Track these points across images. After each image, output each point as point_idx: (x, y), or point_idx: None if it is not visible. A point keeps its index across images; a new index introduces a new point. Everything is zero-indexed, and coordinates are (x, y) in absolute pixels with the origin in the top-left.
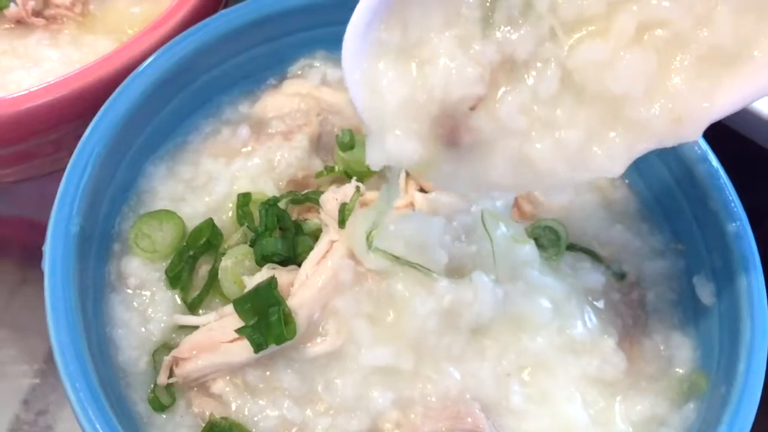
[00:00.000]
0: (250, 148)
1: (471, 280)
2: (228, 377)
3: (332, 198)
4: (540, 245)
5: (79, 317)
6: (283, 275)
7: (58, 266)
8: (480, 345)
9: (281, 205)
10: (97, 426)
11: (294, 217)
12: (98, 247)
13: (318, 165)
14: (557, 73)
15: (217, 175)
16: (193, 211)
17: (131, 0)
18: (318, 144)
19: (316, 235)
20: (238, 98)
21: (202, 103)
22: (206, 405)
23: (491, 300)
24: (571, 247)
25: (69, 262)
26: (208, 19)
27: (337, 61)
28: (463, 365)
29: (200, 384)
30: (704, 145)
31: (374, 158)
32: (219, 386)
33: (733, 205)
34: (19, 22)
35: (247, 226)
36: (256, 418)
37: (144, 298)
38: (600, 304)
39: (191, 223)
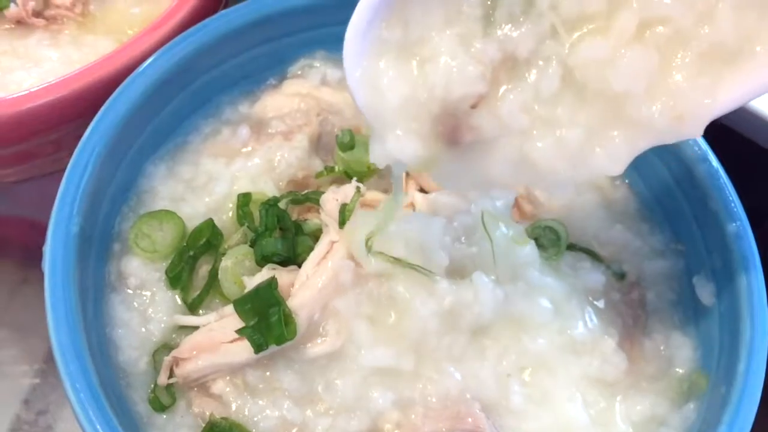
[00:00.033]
0: (250, 148)
1: (471, 281)
2: (228, 377)
3: (332, 198)
4: (540, 245)
5: (80, 317)
6: (283, 276)
7: (59, 266)
8: (480, 345)
9: (281, 205)
10: (98, 426)
11: (294, 217)
12: (98, 247)
13: (318, 165)
14: (558, 71)
15: (217, 175)
16: (193, 211)
17: (131, 0)
18: (318, 144)
19: (316, 236)
20: (238, 98)
21: (202, 104)
22: (206, 405)
23: (492, 301)
24: (572, 247)
25: (69, 263)
26: (208, 20)
27: (337, 61)
28: (463, 365)
29: (200, 384)
30: (704, 145)
31: (377, 156)
32: (219, 386)
33: (733, 205)
34: (20, 22)
35: (248, 227)
36: (256, 419)
37: (144, 298)
38: (600, 304)
39: (191, 223)
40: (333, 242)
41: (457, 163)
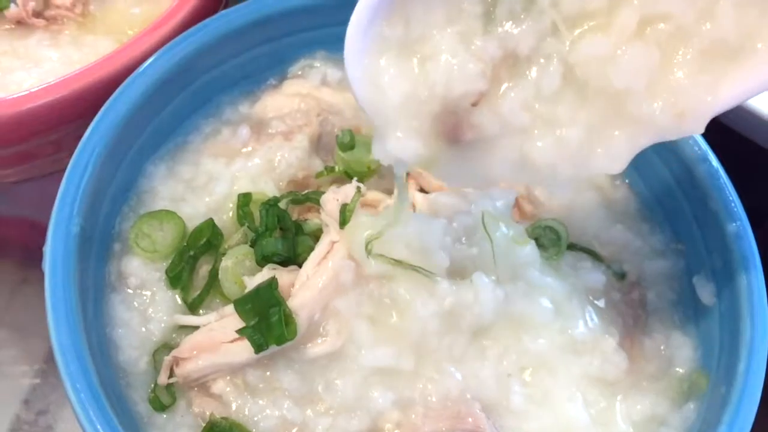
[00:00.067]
0: (250, 149)
1: (472, 282)
2: (228, 377)
3: (333, 198)
4: (540, 245)
5: (80, 317)
6: (283, 276)
7: (59, 266)
8: (481, 345)
9: (281, 205)
10: (98, 426)
11: (294, 217)
12: (99, 247)
13: (318, 165)
14: (559, 68)
15: (217, 175)
16: (194, 211)
17: (131, 0)
18: (318, 144)
19: (316, 236)
20: (239, 98)
21: (203, 104)
22: (206, 405)
23: (492, 301)
24: (572, 247)
25: (69, 263)
26: (208, 20)
27: (337, 61)
28: (464, 366)
29: (201, 384)
30: (704, 145)
31: (379, 154)
32: (219, 386)
33: (733, 205)
34: (20, 22)
35: (248, 226)
36: (256, 418)
37: (144, 298)
38: (601, 304)
39: (191, 223)
40: (333, 242)
41: (458, 161)
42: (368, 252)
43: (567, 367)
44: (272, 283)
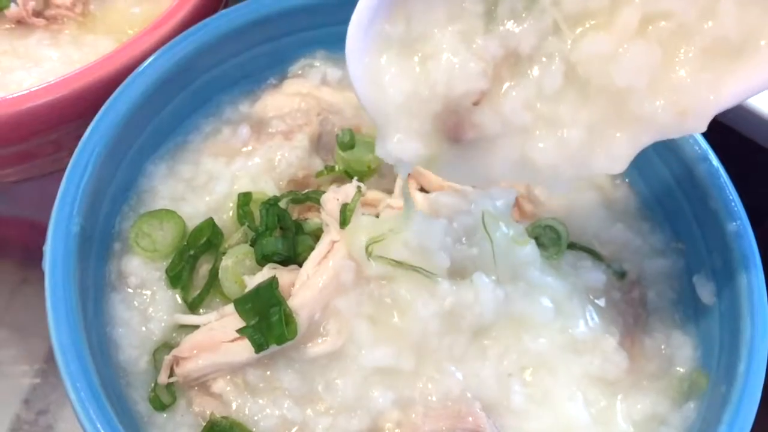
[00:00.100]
0: (250, 148)
1: (472, 282)
2: (228, 377)
3: (333, 198)
4: (540, 244)
5: (80, 317)
6: (284, 275)
7: (59, 266)
8: (481, 345)
9: (282, 204)
10: (98, 425)
11: (294, 216)
12: (99, 246)
13: (318, 164)
14: (561, 67)
15: (217, 174)
16: (194, 211)
17: (131, 0)
18: (318, 143)
19: (316, 235)
20: (239, 98)
21: (203, 103)
22: (207, 404)
23: (492, 301)
24: (572, 246)
25: (70, 262)
26: (208, 19)
27: (337, 60)
28: (464, 365)
29: (201, 383)
30: (704, 145)
31: (382, 152)
32: (219, 386)
33: (733, 204)
34: (20, 22)
35: (248, 226)
36: (256, 418)
37: (144, 297)
38: (601, 303)
39: (192, 223)
40: (334, 242)
41: (459, 160)
42: (368, 254)
43: (567, 367)
44: (272, 282)
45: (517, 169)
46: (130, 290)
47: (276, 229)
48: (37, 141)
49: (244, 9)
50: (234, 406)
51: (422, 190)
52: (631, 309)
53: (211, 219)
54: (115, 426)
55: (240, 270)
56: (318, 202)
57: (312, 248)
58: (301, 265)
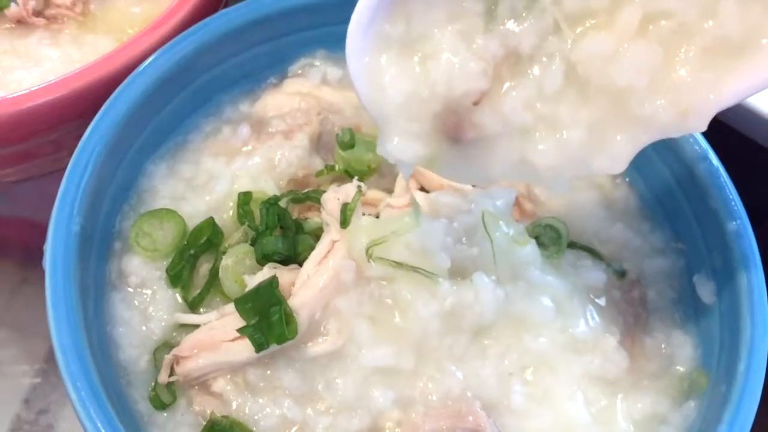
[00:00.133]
0: (250, 147)
1: (472, 282)
2: (229, 376)
3: (334, 197)
4: (541, 243)
5: (80, 316)
6: (284, 274)
7: (59, 265)
8: (482, 345)
9: (282, 203)
10: (98, 424)
11: (294, 215)
12: (99, 246)
13: (318, 164)
14: (561, 67)
15: (217, 174)
16: (194, 210)
17: (132, 0)
18: (318, 143)
19: (317, 234)
20: (239, 97)
21: (203, 102)
22: (207, 403)
23: (492, 301)
24: (572, 245)
25: (70, 261)
26: (208, 19)
27: (337, 60)
28: (464, 365)
29: (201, 382)
30: (704, 144)
31: (383, 152)
32: (220, 385)
33: (733, 203)
34: (20, 21)
35: (248, 225)
36: (256, 417)
37: (145, 296)
38: (601, 302)
39: (192, 222)
40: (334, 241)
41: (459, 160)
42: (369, 256)
43: (568, 366)
44: (273, 281)
45: (517, 169)
46: (130, 289)
47: (276, 228)
48: (37, 141)
49: (244, 8)
50: (234, 405)
51: (422, 189)
52: (632, 308)
53: (212, 218)
54: (116, 425)
55: (240, 269)
56: (318, 201)
57: (312, 248)
58: (301, 265)
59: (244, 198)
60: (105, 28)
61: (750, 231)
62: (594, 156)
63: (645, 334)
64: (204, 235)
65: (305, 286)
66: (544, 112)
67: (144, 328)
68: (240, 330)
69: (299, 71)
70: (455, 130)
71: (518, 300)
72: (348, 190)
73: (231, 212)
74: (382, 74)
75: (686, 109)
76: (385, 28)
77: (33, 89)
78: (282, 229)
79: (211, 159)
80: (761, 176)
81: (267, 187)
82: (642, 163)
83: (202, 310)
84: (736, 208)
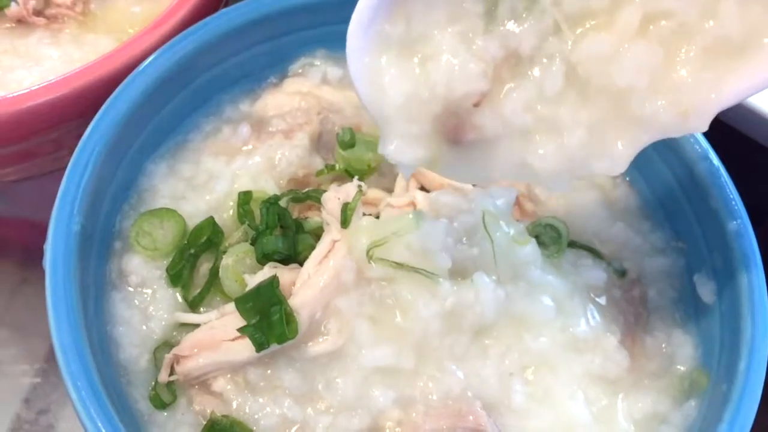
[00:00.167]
0: (250, 147)
1: (473, 282)
2: (229, 375)
3: (334, 197)
4: (541, 243)
5: (81, 315)
6: (284, 274)
7: (60, 265)
8: (482, 345)
9: (282, 203)
10: (99, 424)
11: (295, 215)
12: (99, 245)
13: (318, 163)
14: (562, 67)
15: (217, 173)
16: (194, 210)
17: None
18: (318, 142)
19: (317, 234)
20: (239, 97)
21: (203, 102)
22: (207, 403)
23: (493, 301)
24: (573, 245)
25: (70, 261)
26: (208, 18)
27: (337, 59)
28: (465, 365)
29: (201, 382)
30: (705, 144)
31: (384, 152)
32: (220, 384)
33: (733, 203)
34: (20, 21)
35: (248, 225)
36: (257, 416)
37: (145, 296)
38: (602, 301)
39: (192, 222)
40: (335, 241)
41: (460, 161)
42: (369, 257)
43: (568, 366)
44: (273, 281)
45: (518, 170)
46: (130, 289)
47: (276, 227)
48: (38, 140)
49: (245, 8)
50: (234, 404)
51: (423, 188)
52: (632, 307)
53: (212, 218)
54: (116, 425)
55: (240, 269)
56: (318, 200)
57: (312, 247)
58: (301, 264)
59: (245, 197)
60: (105, 27)
61: (750, 230)
62: (594, 157)
63: (645, 333)
64: (204, 235)
65: (306, 286)
66: (544, 114)
67: (144, 327)
68: (240, 329)
69: (299, 71)
70: (455, 131)
71: (519, 300)
72: (348, 190)
73: (231, 211)
74: (383, 75)
75: (687, 109)
76: (386, 28)
77: (33, 88)
78: (282, 229)
79: (212, 158)
80: (761, 176)
81: (267, 186)
82: (642, 163)
83: (202, 309)
84: (736, 207)
